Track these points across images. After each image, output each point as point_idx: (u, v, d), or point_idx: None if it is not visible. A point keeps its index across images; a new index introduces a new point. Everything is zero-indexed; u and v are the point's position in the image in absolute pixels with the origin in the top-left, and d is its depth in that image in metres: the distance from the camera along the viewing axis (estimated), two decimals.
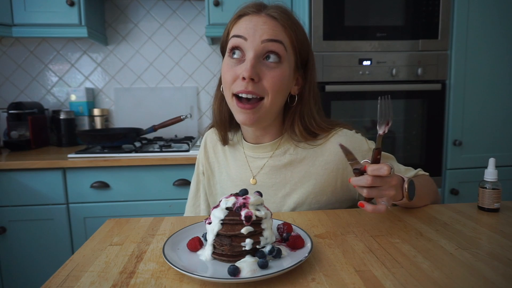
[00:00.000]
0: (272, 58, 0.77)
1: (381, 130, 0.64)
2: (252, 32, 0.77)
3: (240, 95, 0.78)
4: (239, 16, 0.81)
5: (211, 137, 0.99)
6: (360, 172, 0.64)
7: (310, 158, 0.86)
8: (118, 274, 0.56)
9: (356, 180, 0.64)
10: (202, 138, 1.03)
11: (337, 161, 0.84)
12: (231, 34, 0.81)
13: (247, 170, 0.91)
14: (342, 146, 0.67)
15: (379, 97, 0.64)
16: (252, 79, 0.76)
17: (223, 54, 0.88)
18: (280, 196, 0.88)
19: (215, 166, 0.98)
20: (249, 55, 0.77)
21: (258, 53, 0.77)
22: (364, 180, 0.62)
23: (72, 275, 0.57)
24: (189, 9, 2.23)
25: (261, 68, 0.78)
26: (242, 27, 0.79)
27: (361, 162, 0.66)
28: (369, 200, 0.66)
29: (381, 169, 0.61)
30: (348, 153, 0.66)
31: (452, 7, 1.70)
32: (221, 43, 0.88)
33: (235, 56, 0.79)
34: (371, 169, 0.62)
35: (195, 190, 1.03)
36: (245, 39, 0.77)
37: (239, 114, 0.80)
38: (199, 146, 1.86)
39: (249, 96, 0.78)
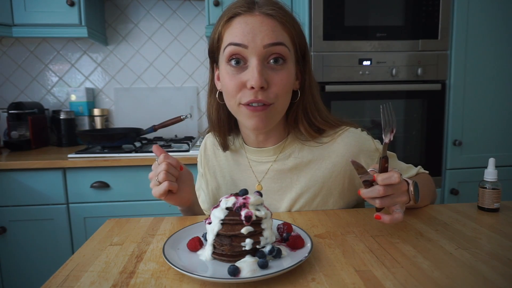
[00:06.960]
0: (277, 60, 0.73)
1: (387, 139, 0.64)
2: (251, 37, 0.71)
3: (250, 104, 0.74)
4: (230, 17, 0.74)
5: (211, 140, 0.95)
6: (370, 183, 0.63)
7: (316, 161, 0.83)
8: (118, 274, 0.56)
9: (367, 192, 0.62)
10: (202, 139, 1.02)
11: (344, 163, 0.82)
12: (226, 41, 0.74)
13: (251, 175, 0.88)
14: (353, 162, 0.63)
15: (381, 106, 0.64)
16: (261, 87, 0.72)
17: (212, 59, 0.83)
18: (286, 201, 0.85)
19: (216, 170, 0.94)
20: (253, 61, 0.72)
21: (261, 58, 0.72)
22: (375, 191, 0.61)
23: (72, 275, 0.57)
24: (189, 9, 2.23)
25: (267, 72, 0.73)
26: (238, 32, 0.72)
27: (368, 170, 0.64)
28: (380, 209, 0.65)
29: (392, 177, 0.60)
30: (359, 167, 0.63)
31: (452, 7, 1.70)
32: (210, 47, 0.80)
33: (235, 64, 0.74)
34: (382, 178, 0.60)
35: (197, 187, 1.00)
36: (245, 47, 0.72)
37: (250, 120, 0.75)
38: (199, 146, 1.86)
39: (260, 104, 0.73)
